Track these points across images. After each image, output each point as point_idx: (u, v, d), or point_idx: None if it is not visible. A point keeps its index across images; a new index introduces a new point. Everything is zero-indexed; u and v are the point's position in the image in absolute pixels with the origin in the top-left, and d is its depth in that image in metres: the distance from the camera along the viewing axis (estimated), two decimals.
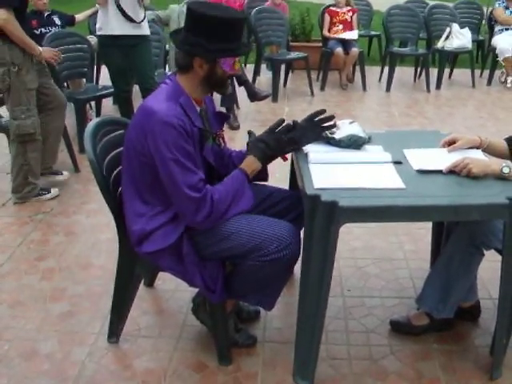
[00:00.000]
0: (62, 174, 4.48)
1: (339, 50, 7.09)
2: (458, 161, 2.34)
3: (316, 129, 2.53)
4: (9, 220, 3.88)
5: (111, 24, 4.86)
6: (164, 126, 2.15)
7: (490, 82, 7.63)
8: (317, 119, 2.52)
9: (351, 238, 3.54)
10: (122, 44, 4.90)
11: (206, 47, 2.22)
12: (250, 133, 2.55)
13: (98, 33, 5.02)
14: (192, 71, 2.28)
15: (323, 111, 2.52)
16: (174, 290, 3.04)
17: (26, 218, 3.91)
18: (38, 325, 2.79)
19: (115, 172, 2.53)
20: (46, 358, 2.57)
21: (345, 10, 7.35)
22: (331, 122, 2.55)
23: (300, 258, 2.29)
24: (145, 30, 5.06)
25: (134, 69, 5.13)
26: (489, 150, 2.57)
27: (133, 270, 2.55)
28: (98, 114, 5.72)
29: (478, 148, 2.56)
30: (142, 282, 2.91)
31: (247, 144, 2.48)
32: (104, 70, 6.59)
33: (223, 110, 5.55)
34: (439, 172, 2.35)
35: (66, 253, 3.46)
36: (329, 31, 7.38)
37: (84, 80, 5.66)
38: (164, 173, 2.20)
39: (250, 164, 2.40)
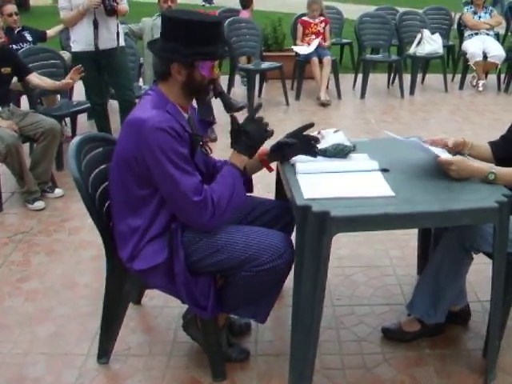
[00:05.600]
0: (52, 191, 4.47)
1: (315, 59, 7.11)
2: (448, 160, 2.35)
3: (303, 144, 2.52)
4: None
5: (87, 38, 4.85)
6: (157, 133, 2.13)
7: (462, 86, 7.72)
8: (304, 134, 2.52)
9: (337, 246, 3.52)
10: (99, 57, 4.90)
11: (183, 52, 2.21)
12: (232, 116, 2.45)
13: (74, 48, 5.00)
14: (171, 78, 2.27)
15: (311, 125, 2.53)
16: (162, 307, 3.00)
17: (5, 238, 3.83)
18: (25, 348, 2.73)
19: (100, 189, 2.49)
20: (35, 383, 2.51)
21: (317, 20, 7.38)
22: (316, 134, 2.56)
23: (292, 270, 2.28)
24: (121, 41, 5.09)
25: (113, 81, 5.16)
26: (473, 152, 2.59)
27: (122, 288, 2.51)
28: (74, 130, 5.64)
29: (461, 149, 2.58)
30: None
31: (230, 133, 2.42)
32: (77, 85, 6.55)
33: None
34: (427, 176, 2.37)
35: (49, 273, 3.40)
36: (301, 41, 7.40)
37: (58, 96, 5.59)
38: (163, 179, 2.17)
39: (237, 157, 2.37)
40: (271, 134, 2.41)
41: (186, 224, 2.27)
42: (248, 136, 2.35)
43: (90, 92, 5.20)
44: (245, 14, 7.66)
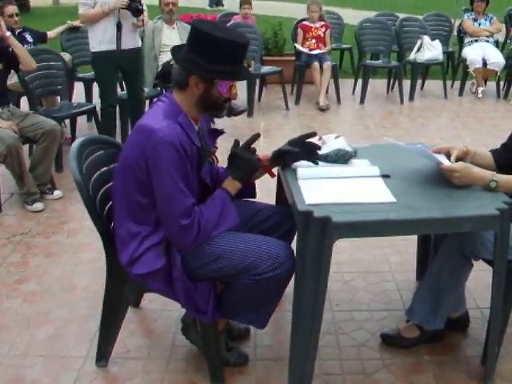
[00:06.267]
0: (52, 193, 4.47)
1: (316, 63, 7.11)
2: (451, 167, 2.36)
3: (305, 152, 2.53)
4: None
5: (110, 38, 4.94)
6: (165, 146, 2.13)
7: (461, 93, 7.73)
8: (306, 141, 2.53)
9: (336, 251, 3.48)
10: (120, 58, 4.98)
11: (204, 67, 2.19)
12: (236, 140, 2.49)
13: (95, 48, 5.05)
14: (188, 89, 2.26)
15: (314, 134, 2.53)
16: (161, 310, 2.99)
17: (4, 239, 3.82)
18: (23, 350, 2.72)
19: (101, 191, 2.48)
20: None
21: (318, 25, 7.38)
22: (316, 140, 2.56)
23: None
24: (139, 42, 5.25)
25: (129, 82, 5.34)
26: (475, 159, 2.59)
27: (121, 292, 2.50)
28: (74, 131, 5.64)
29: (464, 157, 2.58)
30: None
31: (228, 159, 2.45)
32: (78, 86, 6.56)
33: None
34: (428, 183, 2.38)
35: (47, 274, 3.39)
36: (302, 46, 7.40)
37: (58, 98, 5.59)
38: (159, 192, 2.18)
39: (230, 183, 2.39)
40: (259, 166, 2.45)
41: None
42: (243, 163, 2.37)
43: (105, 93, 5.22)
44: (236, 19, 7.66)
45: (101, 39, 4.98)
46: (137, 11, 4.92)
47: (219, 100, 2.30)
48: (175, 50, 2.33)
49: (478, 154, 2.59)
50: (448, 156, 2.50)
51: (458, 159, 2.47)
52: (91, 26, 5.05)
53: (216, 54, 2.18)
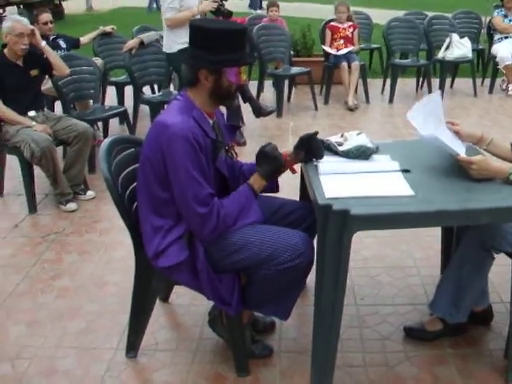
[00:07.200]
0: (85, 194, 4.60)
1: (344, 64, 7.14)
2: (469, 159, 2.38)
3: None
4: (22, 240, 3.93)
5: None
6: (179, 139, 2.22)
7: (491, 90, 7.67)
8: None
9: (362, 247, 3.57)
10: None
11: (209, 59, 2.30)
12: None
13: (177, 48, 5.17)
14: (199, 84, 2.36)
15: (316, 133, 2.57)
16: (189, 305, 3.07)
17: (39, 238, 3.96)
18: (56, 342, 2.83)
19: (129, 189, 2.58)
20: (66, 375, 2.61)
21: (346, 25, 7.41)
22: (338, 138, 2.63)
23: (314, 267, 2.34)
24: None
25: None
26: (491, 148, 2.61)
27: (150, 285, 2.59)
28: (106, 134, 5.78)
29: (476, 143, 2.60)
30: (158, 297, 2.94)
31: (256, 157, 2.53)
32: (110, 90, 6.71)
33: None
34: (448, 177, 2.41)
35: (80, 271, 3.51)
36: (330, 46, 7.44)
37: (91, 101, 5.74)
38: (175, 184, 2.27)
39: (257, 180, 2.47)
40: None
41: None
42: (271, 160, 2.46)
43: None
44: (265, 21, 7.73)
45: (186, 39, 5.15)
46: (229, 13, 5.25)
47: (230, 88, 2.40)
48: (182, 52, 2.46)
49: (495, 143, 2.60)
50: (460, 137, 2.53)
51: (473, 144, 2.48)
52: (175, 28, 5.25)
53: (217, 44, 2.29)
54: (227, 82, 2.37)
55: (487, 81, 7.88)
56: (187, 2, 5.20)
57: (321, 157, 2.56)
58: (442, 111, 2.62)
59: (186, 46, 5.14)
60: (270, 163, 2.47)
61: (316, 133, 2.54)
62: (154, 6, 16.65)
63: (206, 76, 2.33)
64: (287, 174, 2.64)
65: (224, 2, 5.35)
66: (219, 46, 2.30)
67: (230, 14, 5.28)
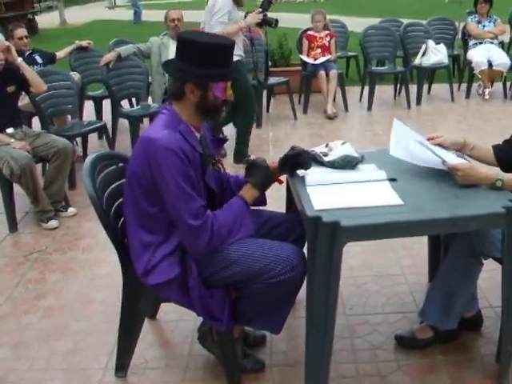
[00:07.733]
0: (66, 210, 4.55)
1: (322, 72, 7.16)
2: (455, 166, 2.40)
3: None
4: (3, 261, 3.87)
5: (238, 52, 5.23)
6: (166, 152, 2.19)
7: (468, 95, 7.75)
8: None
9: (348, 256, 3.55)
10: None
11: (195, 73, 2.27)
12: (246, 161, 2.57)
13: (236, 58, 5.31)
14: (185, 98, 2.33)
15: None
16: (177, 321, 3.04)
17: (21, 257, 3.89)
18: (44, 364, 2.78)
19: (115, 206, 2.54)
20: None
21: (322, 34, 7.43)
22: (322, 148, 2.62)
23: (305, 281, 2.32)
24: None
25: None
26: (474, 153, 2.63)
27: (138, 302, 2.55)
28: (85, 149, 5.72)
29: (460, 150, 2.62)
30: None
31: (245, 169, 2.51)
32: (88, 105, 6.65)
33: None
34: (434, 185, 2.42)
35: (64, 290, 3.45)
36: (307, 55, 7.46)
37: (69, 116, 5.68)
38: (167, 198, 2.23)
39: (248, 191, 2.45)
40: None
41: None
42: (261, 170, 2.46)
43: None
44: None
45: (238, 52, 5.22)
46: (276, 22, 5.48)
47: (216, 103, 2.37)
48: (166, 64, 2.42)
49: (478, 148, 2.63)
50: (443, 146, 2.55)
51: (456, 151, 2.51)
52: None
53: (205, 58, 2.27)
54: (213, 96, 2.34)
55: (464, 86, 7.96)
56: (234, 16, 5.24)
57: (307, 168, 2.54)
58: (412, 131, 2.65)
59: (239, 58, 5.15)
60: (262, 172, 2.46)
61: (301, 152, 2.51)
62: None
63: (192, 90, 2.30)
64: (271, 186, 2.63)
65: (266, 13, 5.43)
66: (207, 60, 2.27)
67: (276, 22, 5.44)
